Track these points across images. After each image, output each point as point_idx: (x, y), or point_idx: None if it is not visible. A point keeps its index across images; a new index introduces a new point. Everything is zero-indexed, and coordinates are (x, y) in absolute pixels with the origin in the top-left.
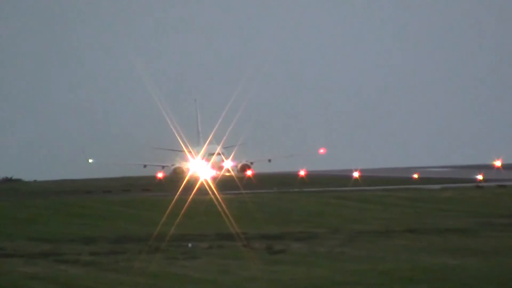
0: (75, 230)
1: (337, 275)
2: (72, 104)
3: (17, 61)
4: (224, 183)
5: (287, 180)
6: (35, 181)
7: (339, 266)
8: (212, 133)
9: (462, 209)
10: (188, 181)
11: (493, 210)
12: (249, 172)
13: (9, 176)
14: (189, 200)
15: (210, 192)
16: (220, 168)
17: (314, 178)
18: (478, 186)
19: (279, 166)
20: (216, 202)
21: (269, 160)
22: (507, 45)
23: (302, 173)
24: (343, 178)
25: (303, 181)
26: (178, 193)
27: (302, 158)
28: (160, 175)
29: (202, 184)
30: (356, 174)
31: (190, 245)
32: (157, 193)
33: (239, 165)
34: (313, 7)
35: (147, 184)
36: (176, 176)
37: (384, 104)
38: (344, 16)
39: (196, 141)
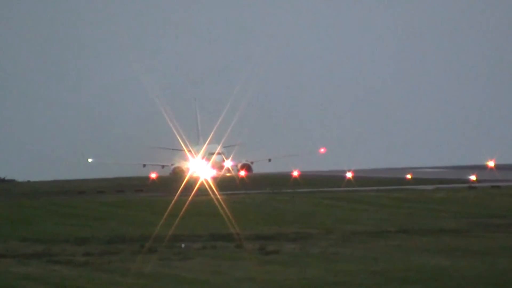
0: (68, 231)
1: (330, 276)
2: (69, 104)
3: (12, 60)
4: (217, 184)
5: (281, 181)
6: (28, 181)
7: (332, 266)
8: (212, 133)
9: (455, 210)
10: (185, 181)
11: (487, 211)
12: (242, 173)
13: (2, 176)
14: (182, 200)
15: (202, 193)
16: (220, 167)
17: (307, 179)
18: (471, 186)
19: (279, 166)
20: (209, 203)
21: (269, 160)
22: (503, 46)
23: (295, 173)
24: (336, 179)
25: (296, 182)
26: (173, 193)
27: (302, 158)
28: (153, 175)
29: (197, 184)
30: (349, 175)
31: (183, 245)
32: (151, 193)
33: (239, 165)
34: (312, 6)
35: (141, 184)
36: (175, 175)
37: (377, 105)
38: (345, 16)
39: (195, 141)
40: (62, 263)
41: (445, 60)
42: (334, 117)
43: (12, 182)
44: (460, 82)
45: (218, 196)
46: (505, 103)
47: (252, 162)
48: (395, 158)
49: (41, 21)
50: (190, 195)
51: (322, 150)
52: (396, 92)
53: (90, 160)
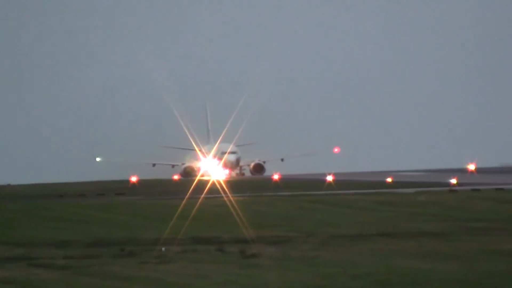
0: (49, 234)
1: (311, 279)
2: (79, 105)
3: (12, 59)
4: (201, 186)
5: (262, 184)
6: (8, 185)
7: (313, 270)
8: (224, 131)
9: (436, 213)
10: (167, 184)
11: (467, 214)
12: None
13: None
14: (162, 204)
15: (181, 196)
16: (234, 167)
17: (288, 182)
18: (452, 190)
19: (292, 166)
20: (189, 206)
21: (282, 159)
22: (489, 49)
23: (275, 177)
24: (317, 182)
25: (277, 185)
26: (153, 196)
27: (315, 157)
28: (134, 179)
29: (178, 185)
30: (329, 178)
31: (163, 249)
32: (132, 197)
33: (252, 165)
34: (326, 6)
35: (122, 188)
36: (186, 175)
37: (358, 108)
38: (356, 18)
39: (206, 140)
40: (42, 267)
41: (426, 65)
42: (317, 121)
43: None
44: (441, 86)
45: (196, 200)
46: (486, 107)
47: (264, 162)
48: (375, 162)
49: (52, 21)
50: (172, 199)
51: (336, 150)
52: (377, 96)
53: (98, 159)
